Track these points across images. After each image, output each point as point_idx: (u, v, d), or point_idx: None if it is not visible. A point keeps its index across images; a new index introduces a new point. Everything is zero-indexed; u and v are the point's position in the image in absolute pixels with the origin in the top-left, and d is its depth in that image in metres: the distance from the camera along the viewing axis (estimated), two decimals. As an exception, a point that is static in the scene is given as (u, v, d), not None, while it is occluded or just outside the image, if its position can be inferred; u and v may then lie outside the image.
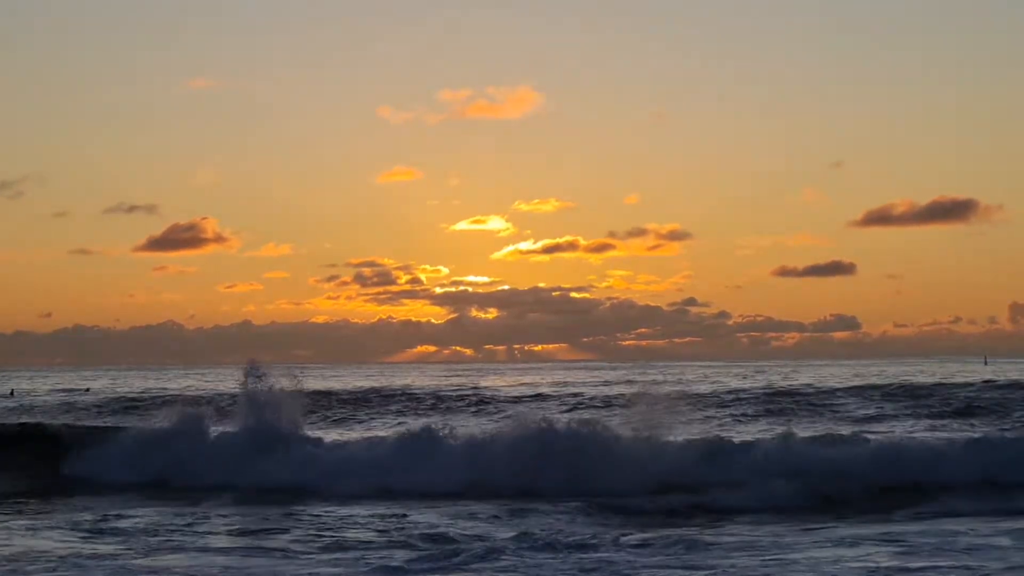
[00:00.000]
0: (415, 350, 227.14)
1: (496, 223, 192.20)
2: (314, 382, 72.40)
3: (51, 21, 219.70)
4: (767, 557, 14.03)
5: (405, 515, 18.06)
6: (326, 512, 18.71)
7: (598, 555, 14.26)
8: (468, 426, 30.34)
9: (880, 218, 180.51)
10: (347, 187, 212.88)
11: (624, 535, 15.77)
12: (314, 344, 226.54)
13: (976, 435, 25.54)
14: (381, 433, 30.08)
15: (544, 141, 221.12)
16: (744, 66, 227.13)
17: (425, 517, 17.83)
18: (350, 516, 18.18)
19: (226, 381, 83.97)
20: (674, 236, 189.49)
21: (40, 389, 69.31)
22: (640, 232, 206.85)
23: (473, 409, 41.83)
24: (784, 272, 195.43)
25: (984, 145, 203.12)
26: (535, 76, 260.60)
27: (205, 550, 15.05)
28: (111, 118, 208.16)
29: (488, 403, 44.24)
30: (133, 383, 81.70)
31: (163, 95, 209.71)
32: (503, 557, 14.09)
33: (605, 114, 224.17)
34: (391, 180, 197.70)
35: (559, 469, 21.55)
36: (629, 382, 64.48)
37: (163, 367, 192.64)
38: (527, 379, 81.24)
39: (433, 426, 24.83)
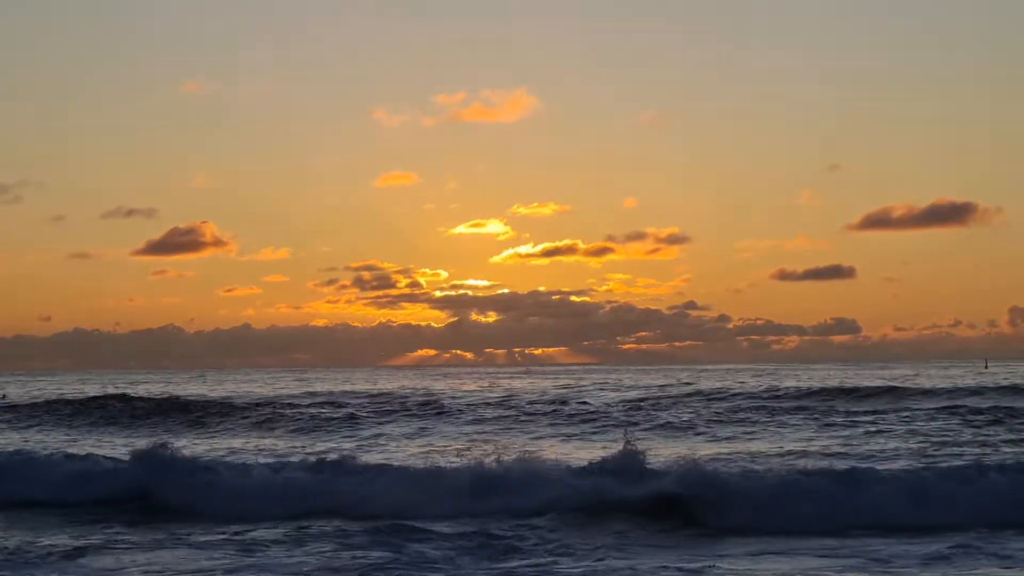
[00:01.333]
0: (415, 354, 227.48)
1: (495, 227, 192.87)
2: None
3: (49, 26, 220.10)
4: None
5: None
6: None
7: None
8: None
9: (879, 221, 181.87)
10: (345, 190, 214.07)
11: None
12: (314, 348, 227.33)
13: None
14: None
15: (541, 145, 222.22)
16: (741, 70, 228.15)
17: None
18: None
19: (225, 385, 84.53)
20: (673, 239, 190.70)
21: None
22: (639, 235, 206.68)
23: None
24: (783, 275, 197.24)
25: (982, 148, 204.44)
26: (531, 80, 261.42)
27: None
28: (109, 122, 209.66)
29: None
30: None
31: (160, 99, 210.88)
32: None
33: (602, 117, 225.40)
34: (388, 184, 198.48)
35: None
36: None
37: (163, 370, 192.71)
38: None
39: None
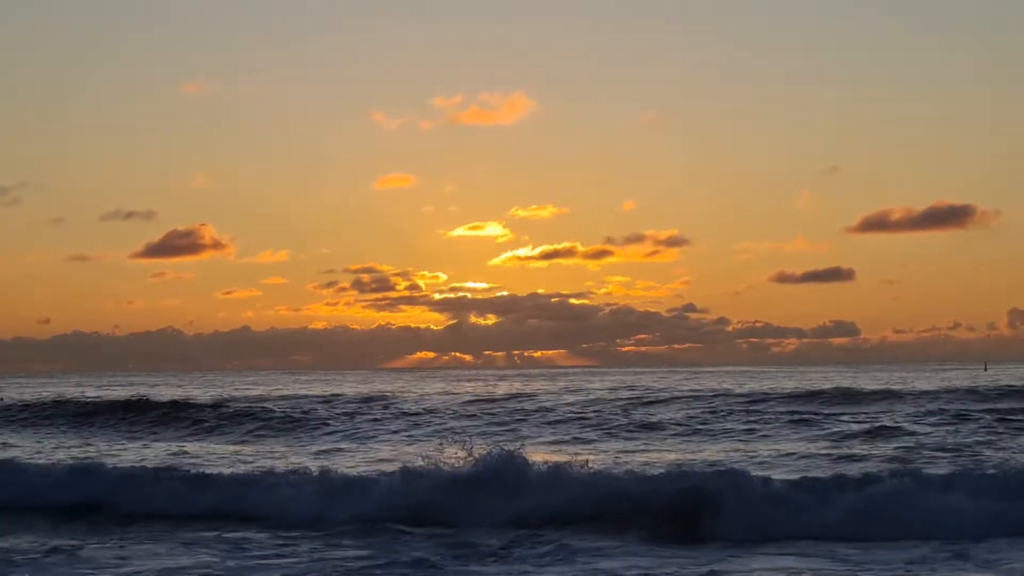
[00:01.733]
0: (414, 356, 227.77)
1: (494, 229, 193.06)
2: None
3: (49, 26, 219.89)
4: None
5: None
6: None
7: None
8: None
9: (878, 224, 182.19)
10: (344, 193, 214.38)
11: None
12: (313, 350, 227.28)
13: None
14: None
15: (539, 147, 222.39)
16: (740, 71, 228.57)
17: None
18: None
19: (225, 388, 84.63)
20: (672, 242, 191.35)
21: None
22: (638, 238, 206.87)
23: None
24: (783, 278, 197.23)
25: (981, 150, 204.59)
26: (529, 81, 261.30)
27: None
28: (108, 124, 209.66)
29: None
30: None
31: (159, 101, 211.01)
32: None
33: (600, 120, 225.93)
34: (387, 186, 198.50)
35: None
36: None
37: (163, 372, 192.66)
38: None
39: None
